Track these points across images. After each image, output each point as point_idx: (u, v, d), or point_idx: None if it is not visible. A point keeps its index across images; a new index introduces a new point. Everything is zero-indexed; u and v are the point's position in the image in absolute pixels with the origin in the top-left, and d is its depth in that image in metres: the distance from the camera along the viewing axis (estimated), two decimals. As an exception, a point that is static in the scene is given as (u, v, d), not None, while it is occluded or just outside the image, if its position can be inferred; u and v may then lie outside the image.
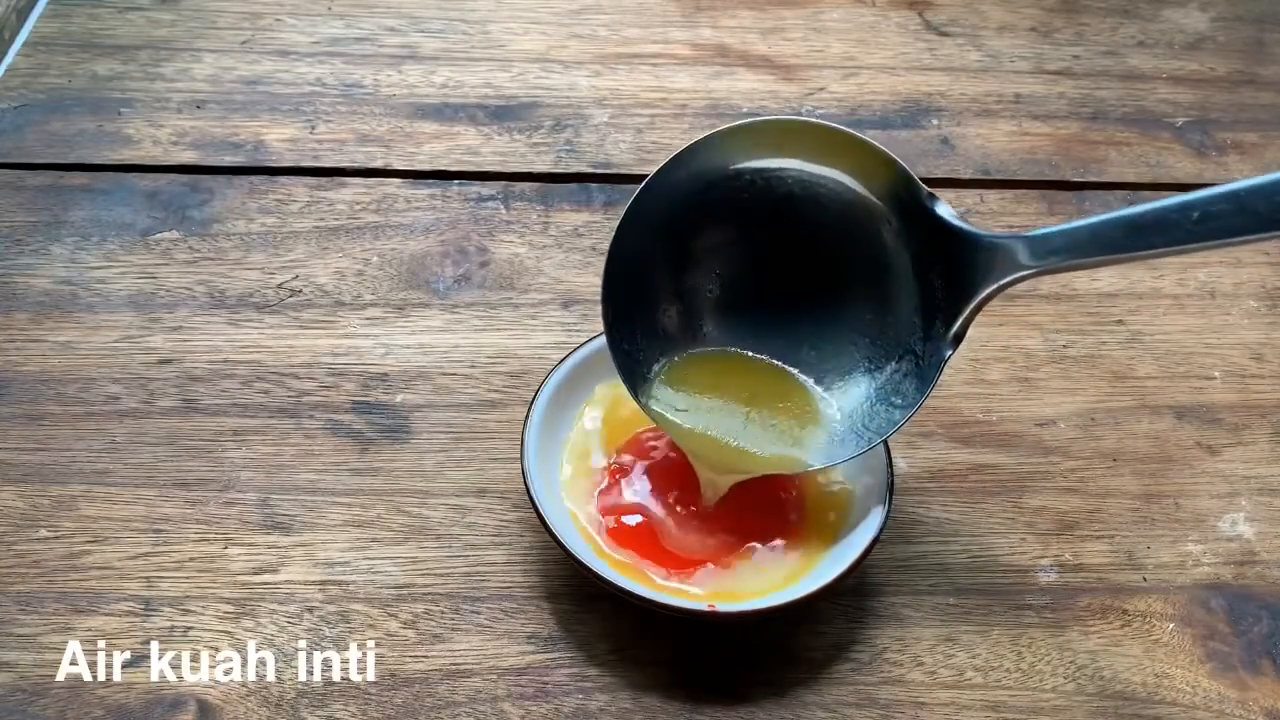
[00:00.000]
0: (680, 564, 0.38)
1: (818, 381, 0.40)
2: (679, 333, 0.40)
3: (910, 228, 0.36)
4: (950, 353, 0.36)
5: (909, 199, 0.36)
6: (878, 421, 0.38)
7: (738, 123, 0.36)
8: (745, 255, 0.39)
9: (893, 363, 0.38)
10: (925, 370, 0.37)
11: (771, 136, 0.37)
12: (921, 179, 0.36)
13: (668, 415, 0.39)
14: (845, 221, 0.37)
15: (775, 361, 0.40)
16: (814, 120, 0.37)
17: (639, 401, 0.38)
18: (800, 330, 0.40)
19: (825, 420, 0.39)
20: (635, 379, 0.38)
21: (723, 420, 0.39)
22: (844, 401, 0.39)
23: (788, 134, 0.37)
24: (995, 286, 0.35)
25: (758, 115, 0.37)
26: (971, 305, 0.35)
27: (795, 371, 0.40)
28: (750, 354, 0.40)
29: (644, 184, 0.36)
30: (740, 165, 0.37)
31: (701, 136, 0.36)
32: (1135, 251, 0.32)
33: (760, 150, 0.37)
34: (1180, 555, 0.42)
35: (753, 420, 0.39)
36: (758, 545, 0.38)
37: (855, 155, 0.36)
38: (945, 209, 0.36)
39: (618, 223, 0.37)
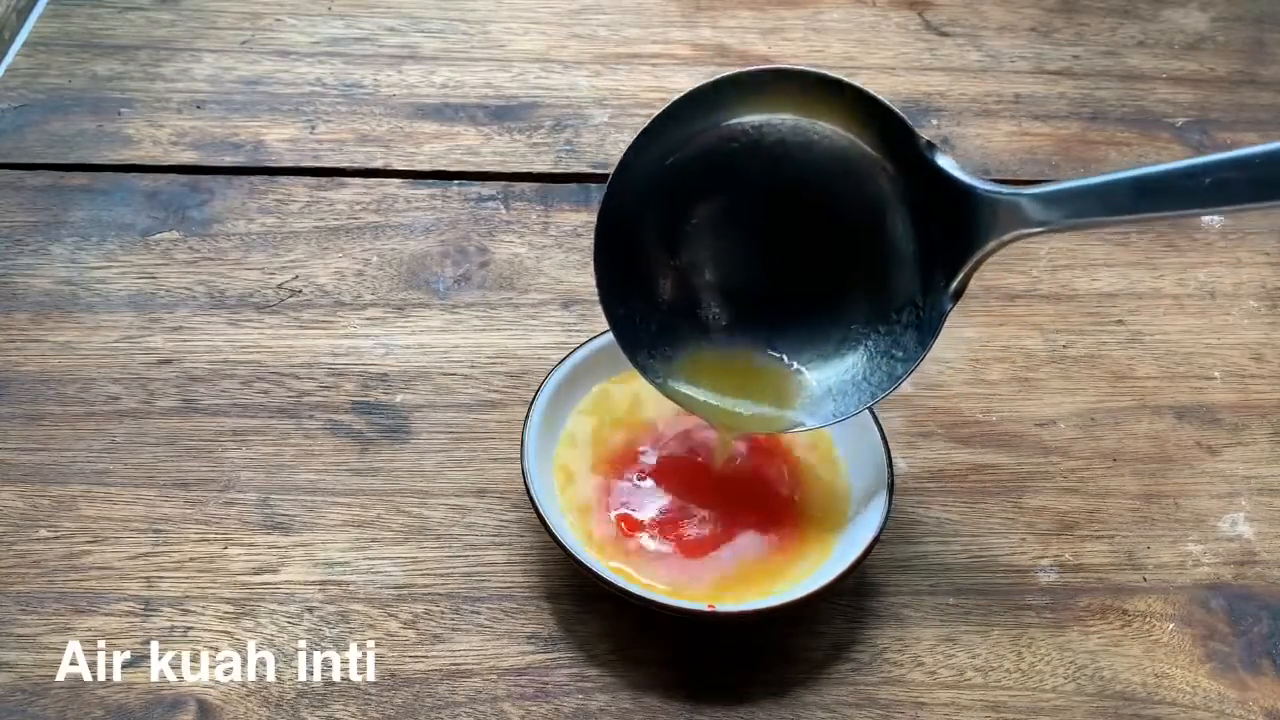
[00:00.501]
0: (680, 563, 0.38)
1: (817, 335, 0.39)
2: (674, 294, 0.39)
3: (908, 177, 0.36)
4: (951, 306, 0.35)
5: (906, 148, 0.35)
6: (879, 375, 0.37)
7: (728, 73, 0.36)
8: (738, 209, 0.38)
9: (893, 313, 0.37)
10: (925, 323, 0.36)
11: (761, 86, 0.36)
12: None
13: (667, 383, 0.38)
14: (840, 171, 0.37)
15: (774, 353, 0.40)
16: (805, 68, 0.36)
17: (638, 368, 0.38)
18: (799, 282, 0.39)
19: (826, 379, 0.39)
20: (634, 345, 0.38)
21: (730, 397, 0.39)
22: (844, 355, 0.39)
23: (778, 83, 0.36)
24: (996, 242, 0.34)
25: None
26: (972, 260, 0.35)
27: (792, 334, 0.39)
28: (752, 352, 0.40)
29: (633, 141, 0.36)
30: (731, 120, 0.37)
31: (690, 90, 0.36)
32: (1142, 213, 0.31)
33: (750, 100, 0.36)
34: (1180, 555, 0.42)
35: (755, 395, 0.39)
36: (758, 545, 0.38)
37: (848, 103, 0.36)
38: (946, 160, 0.35)
39: (607, 182, 0.36)
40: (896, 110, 0.35)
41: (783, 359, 0.40)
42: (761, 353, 0.40)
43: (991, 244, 0.34)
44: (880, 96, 0.35)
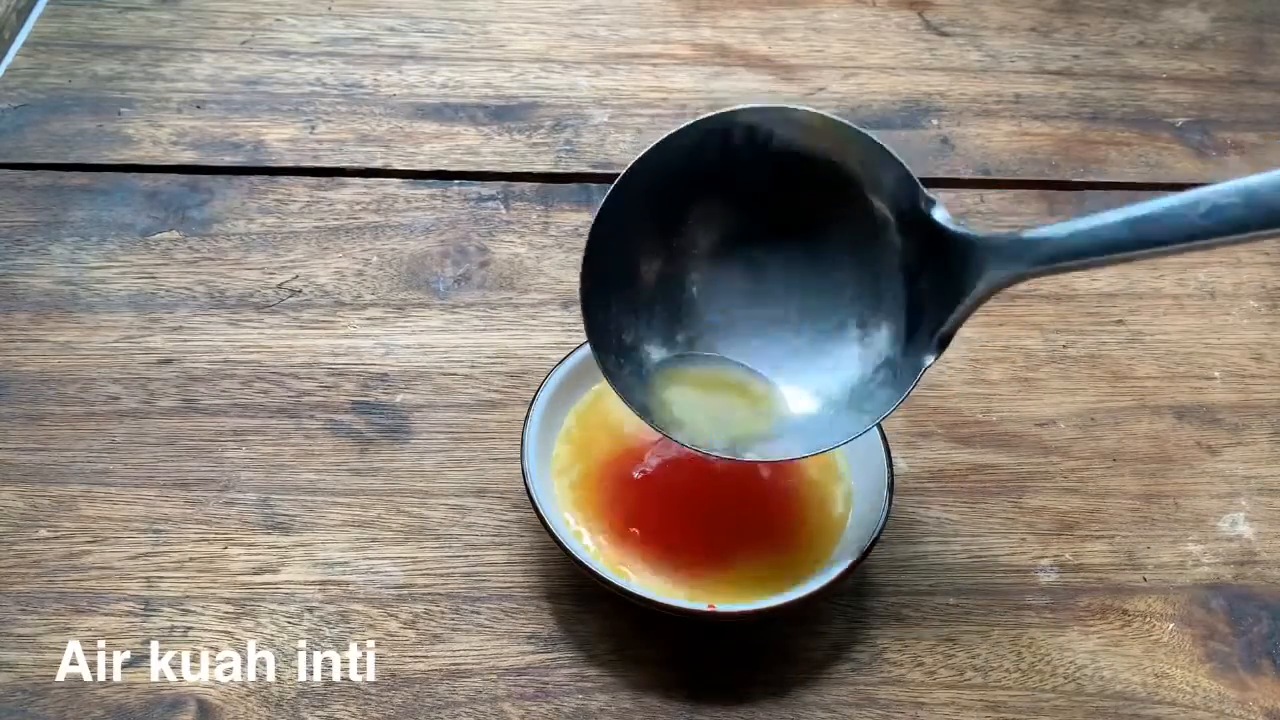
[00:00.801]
0: (680, 563, 0.38)
1: (790, 381, 0.38)
2: (658, 303, 0.38)
3: (904, 228, 0.36)
4: (932, 359, 0.35)
5: (907, 200, 0.35)
6: (849, 422, 0.36)
7: (749, 105, 0.35)
8: (734, 232, 0.38)
9: (870, 370, 0.37)
10: (901, 379, 0.36)
11: (782, 124, 0.36)
12: (921, 179, 0.35)
13: (636, 404, 0.37)
14: (838, 211, 0.36)
15: (749, 367, 0.39)
16: (825, 114, 0.35)
17: (604, 372, 0.37)
18: (780, 322, 0.39)
19: (793, 419, 0.38)
20: (605, 351, 0.37)
21: (693, 417, 0.38)
22: (814, 403, 0.38)
23: (798, 124, 0.36)
24: (985, 289, 0.33)
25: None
26: (960, 308, 0.34)
27: (766, 375, 0.39)
28: (727, 360, 0.39)
29: (640, 156, 0.35)
30: (736, 143, 0.36)
31: (705, 116, 0.35)
32: (1140, 250, 0.31)
33: (760, 135, 0.36)
34: (1180, 555, 0.42)
35: (720, 419, 0.38)
36: (757, 544, 0.38)
37: (859, 150, 0.35)
38: (941, 213, 0.35)
39: (609, 190, 0.36)
40: (904, 164, 0.35)
41: (763, 380, 0.39)
42: (741, 372, 0.39)
43: (980, 290, 0.33)
44: (888, 147, 0.35)
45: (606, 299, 0.37)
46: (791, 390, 0.39)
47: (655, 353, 0.39)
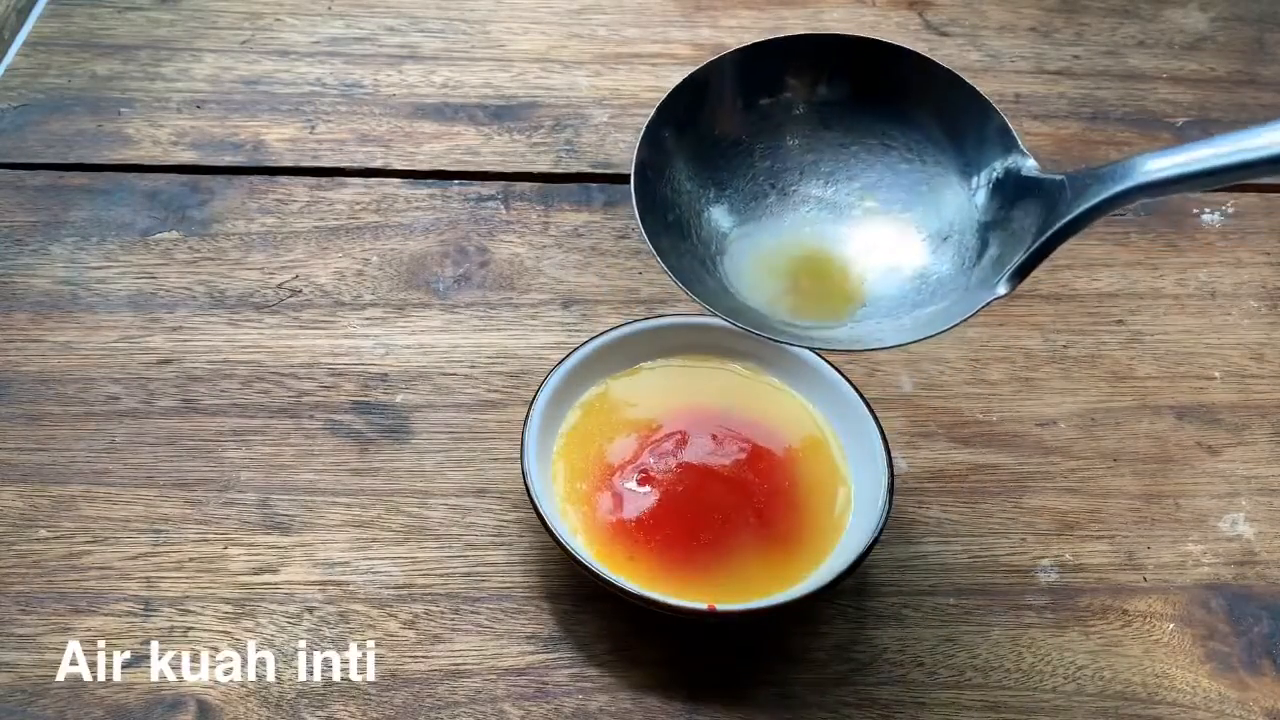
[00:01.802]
0: (680, 563, 0.38)
1: (886, 262, 0.36)
2: (727, 173, 0.37)
3: (997, 175, 0.36)
4: (1005, 291, 0.33)
5: (1001, 153, 0.36)
6: (916, 320, 0.34)
7: (855, 34, 0.37)
8: (817, 113, 0.38)
9: (951, 263, 0.35)
10: (971, 292, 0.33)
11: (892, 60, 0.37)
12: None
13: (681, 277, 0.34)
14: (928, 139, 0.37)
15: (827, 248, 0.37)
16: (927, 57, 0.36)
17: (657, 252, 0.34)
18: (856, 229, 0.37)
19: (878, 305, 0.36)
20: (659, 231, 0.34)
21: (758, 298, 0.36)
22: (881, 302, 0.36)
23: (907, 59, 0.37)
24: (1072, 218, 0.32)
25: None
26: (1043, 238, 0.32)
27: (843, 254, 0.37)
28: (805, 239, 0.37)
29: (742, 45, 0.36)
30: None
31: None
32: (1222, 176, 0.29)
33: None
34: (1180, 555, 0.42)
35: (789, 302, 0.36)
36: (758, 545, 0.38)
37: (954, 92, 0.37)
38: (1031, 164, 0.34)
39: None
40: (1004, 117, 0.36)
41: (848, 261, 0.36)
42: (818, 240, 0.37)
43: (1068, 219, 0.32)
44: (991, 102, 0.36)
45: (667, 170, 0.35)
46: (886, 271, 0.36)
47: (723, 222, 0.36)
